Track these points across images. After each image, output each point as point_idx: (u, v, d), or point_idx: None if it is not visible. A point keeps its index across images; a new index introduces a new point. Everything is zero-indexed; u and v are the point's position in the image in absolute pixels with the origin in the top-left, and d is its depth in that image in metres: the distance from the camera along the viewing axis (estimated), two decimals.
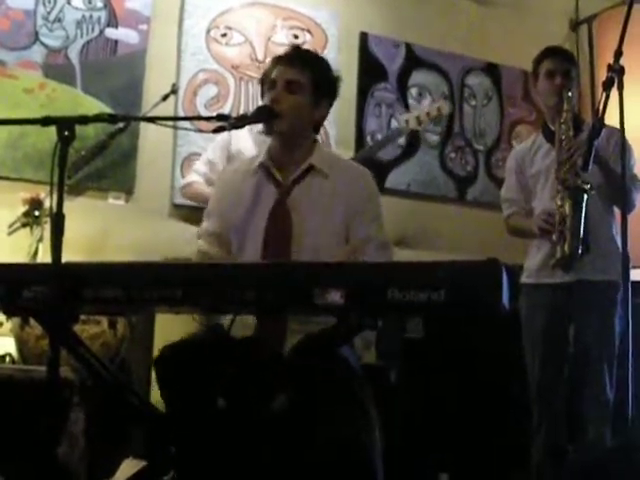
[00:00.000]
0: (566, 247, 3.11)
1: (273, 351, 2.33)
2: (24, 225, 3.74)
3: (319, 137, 2.75)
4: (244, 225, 2.53)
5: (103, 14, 4.28)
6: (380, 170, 4.65)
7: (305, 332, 2.30)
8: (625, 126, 2.92)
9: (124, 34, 4.30)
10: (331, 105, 2.66)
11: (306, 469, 2.21)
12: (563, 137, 3.27)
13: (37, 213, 3.70)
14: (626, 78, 2.87)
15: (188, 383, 2.22)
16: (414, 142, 4.95)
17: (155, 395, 2.53)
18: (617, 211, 3.32)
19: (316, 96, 2.56)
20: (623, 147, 2.95)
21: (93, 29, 4.25)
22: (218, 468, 2.19)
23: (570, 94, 3.32)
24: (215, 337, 2.37)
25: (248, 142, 3.65)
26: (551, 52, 3.45)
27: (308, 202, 2.51)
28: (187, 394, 2.21)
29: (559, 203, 3.17)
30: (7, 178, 3.96)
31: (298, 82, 2.52)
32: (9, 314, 2.14)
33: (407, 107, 5.02)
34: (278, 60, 2.59)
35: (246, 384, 2.20)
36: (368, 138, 4.88)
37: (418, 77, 5.10)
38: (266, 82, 2.59)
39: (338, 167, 2.60)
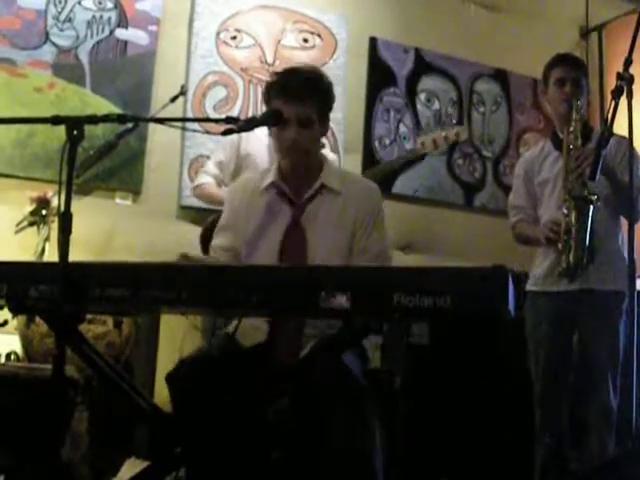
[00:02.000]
0: (571, 257, 3.10)
1: (280, 359, 2.34)
2: (31, 224, 3.75)
3: (327, 142, 2.74)
4: (254, 241, 2.55)
5: (113, 15, 4.29)
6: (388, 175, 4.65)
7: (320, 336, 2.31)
8: (634, 135, 2.91)
9: (134, 35, 4.32)
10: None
11: (307, 476, 2.21)
12: (571, 146, 3.26)
13: (44, 212, 3.71)
14: (635, 87, 2.86)
15: (203, 403, 2.22)
16: None
17: (158, 395, 2.53)
18: (624, 221, 3.31)
19: (322, 119, 2.58)
20: (631, 156, 2.94)
21: (103, 29, 4.26)
22: (222, 472, 2.19)
23: (579, 102, 3.31)
24: (227, 353, 2.38)
25: (258, 145, 3.66)
26: (562, 60, 3.44)
27: (321, 219, 2.54)
28: (202, 412, 2.21)
29: (565, 212, 3.16)
30: (15, 176, 3.97)
31: (310, 117, 2.52)
32: (15, 312, 2.14)
33: (416, 112, 5.03)
34: (286, 94, 2.50)
35: (252, 393, 2.20)
36: (376, 143, 4.88)
37: (427, 82, 5.10)
38: (273, 89, 2.54)
39: (348, 183, 2.62)
